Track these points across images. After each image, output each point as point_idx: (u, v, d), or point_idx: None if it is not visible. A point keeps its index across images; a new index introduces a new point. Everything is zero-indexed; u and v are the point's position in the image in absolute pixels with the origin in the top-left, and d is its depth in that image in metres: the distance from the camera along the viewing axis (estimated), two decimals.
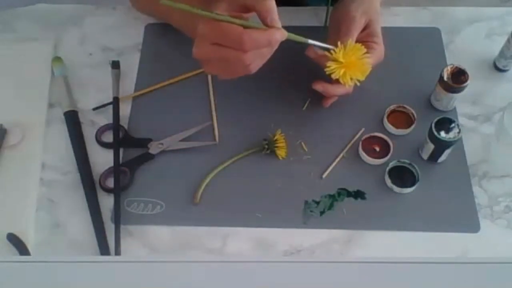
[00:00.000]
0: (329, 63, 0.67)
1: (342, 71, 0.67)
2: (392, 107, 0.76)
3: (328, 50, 0.67)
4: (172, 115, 0.78)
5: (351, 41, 0.68)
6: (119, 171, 0.72)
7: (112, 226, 0.69)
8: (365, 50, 0.68)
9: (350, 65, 0.67)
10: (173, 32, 0.78)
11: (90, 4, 0.90)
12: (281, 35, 0.59)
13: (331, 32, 0.73)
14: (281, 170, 0.73)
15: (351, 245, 0.68)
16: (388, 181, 0.71)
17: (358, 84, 0.69)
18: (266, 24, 0.59)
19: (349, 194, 0.71)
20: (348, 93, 0.73)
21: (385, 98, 0.77)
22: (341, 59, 0.67)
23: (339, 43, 0.67)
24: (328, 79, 0.70)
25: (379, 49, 0.72)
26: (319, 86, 0.72)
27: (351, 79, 0.68)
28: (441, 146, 0.69)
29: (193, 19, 0.60)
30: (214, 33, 0.58)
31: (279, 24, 0.59)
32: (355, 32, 0.70)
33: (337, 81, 0.69)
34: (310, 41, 0.65)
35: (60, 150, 0.75)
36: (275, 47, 0.60)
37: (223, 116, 0.78)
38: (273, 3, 0.59)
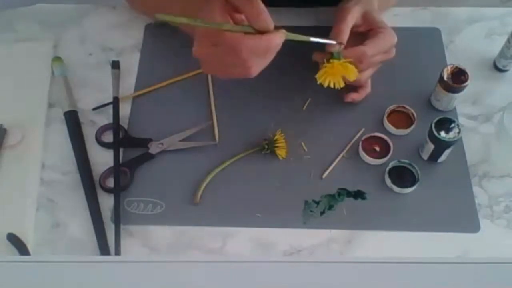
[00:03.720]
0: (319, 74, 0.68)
1: (328, 78, 0.68)
2: (392, 107, 0.76)
3: (329, 44, 0.67)
4: (172, 115, 0.78)
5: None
6: (119, 171, 0.72)
7: (112, 226, 0.69)
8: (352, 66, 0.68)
9: (335, 72, 0.68)
10: (173, 32, 0.78)
11: (90, 4, 0.90)
12: (280, 38, 0.59)
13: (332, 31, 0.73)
14: (281, 170, 0.73)
15: (351, 245, 0.68)
16: (388, 181, 0.71)
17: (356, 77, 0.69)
18: (256, 29, 0.58)
19: (349, 194, 0.71)
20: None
21: (385, 98, 0.77)
22: (328, 69, 0.67)
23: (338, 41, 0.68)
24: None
25: (387, 32, 0.71)
26: (349, 99, 0.76)
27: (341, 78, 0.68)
28: (441, 146, 0.69)
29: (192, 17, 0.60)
30: (213, 35, 0.58)
31: (271, 25, 0.58)
32: (350, 20, 0.70)
33: (359, 88, 0.75)
34: (312, 39, 0.64)
35: (60, 150, 0.75)
36: (276, 50, 0.60)
37: (223, 116, 0.78)
38: (261, 6, 0.57)
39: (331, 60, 0.67)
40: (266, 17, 0.58)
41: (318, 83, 0.69)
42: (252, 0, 0.57)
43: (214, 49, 0.59)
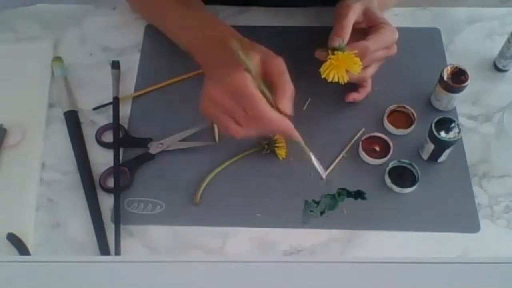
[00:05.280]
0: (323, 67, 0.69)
1: (333, 72, 0.68)
2: (392, 107, 0.76)
3: (310, 32, 0.69)
4: (172, 115, 0.78)
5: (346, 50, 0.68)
6: (119, 171, 0.72)
7: (112, 226, 0.69)
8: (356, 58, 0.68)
9: (339, 64, 0.67)
10: None
11: (90, 4, 0.90)
12: (292, 130, 0.63)
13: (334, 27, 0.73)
14: (281, 170, 0.73)
15: (351, 245, 0.68)
16: (388, 181, 0.71)
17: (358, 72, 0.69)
18: (278, 107, 0.62)
19: (349, 194, 0.71)
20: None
21: (385, 98, 0.77)
22: (333, 61, 0.67)
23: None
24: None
25: (389, 27, 0.71)
26: (350, 99, 0.76)
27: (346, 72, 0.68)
28: (441, 146, 0.69)
29: (186, 32, 0.61)
30: (229, 97, 0.60)
31: (290, 111, 0.62)
32: (352, 16, 0.70)
33: (360, 87, 0.76)
34: (313, 157, 0.68)
35: (60, 150, 0.75)
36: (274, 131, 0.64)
37: None
38: (292, 88, 0.62)
39: (335, 52, 0.67)
40: (289, 102, 0.62)
41: (322, 77, 0.68)
42: (286, 82, 0.63)
43: (228, 99, 0.60)
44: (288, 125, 0.63)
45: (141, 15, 0.87)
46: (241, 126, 0.61)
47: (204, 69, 0.71)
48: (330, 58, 0.67)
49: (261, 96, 0.60)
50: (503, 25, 0.86)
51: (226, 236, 0.68)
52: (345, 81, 0.68)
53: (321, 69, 0.68)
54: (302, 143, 0.65)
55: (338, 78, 0.68)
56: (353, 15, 0.71)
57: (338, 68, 0.67)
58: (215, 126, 0.76)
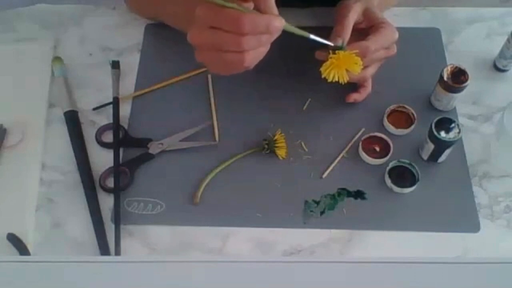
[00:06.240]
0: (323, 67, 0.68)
1: (334, 71, 0.67)
2: (392, 107, 0.76)
3: (328, 46, 0.67)
4: (172, 115, 0.78)
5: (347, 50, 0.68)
6: (119, 171, 0.72)
7: (112, 226, 0.69)
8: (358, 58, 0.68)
9: (340, 63, 0.67)
10: (173, 32, 0.78)
11: (90, 4, 0.90)
12: (279, 21, 0.57)
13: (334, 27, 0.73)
14: (281, 170, 0.73)
15: (351, 245, 0.68)
16: (388, 181, 0.71)
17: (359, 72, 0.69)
18: (262, 11, 0.57)
19: (349, 194, 0.71)
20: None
21: (385, 98, 0.77)
22: (334, 60, 0.67)
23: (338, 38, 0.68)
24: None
25: (389, 27, 0.71)
26: (351, 99, 0.76)
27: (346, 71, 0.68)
28: (441, 146, 0.69)
29: (187, 11, 0.60)
30: (212, 15, 0.56)
31: (276, 11, 0.57)
32: (352, 16, 0.70)
33: (360, 87, 0.76)
34: (312, 36, 0.63)
35: (60, 150, 0.75)
36: (274, 36, 0.58)
37: (223, 116, 0.78)
38: None
39: (336, 52, 0.67)
40: (272, 2, 0.57)
41: (322, 77, 0.68)
42: None
43: (211, 32, 0.57)
44: (271, 16, 0.57)
45: (137, 10, 0.87)
46: (240, 52, 0.58)
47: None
48: (331, 58, 0.67)
49: (229, 9, 0.56)
50: (503, 25, 0.86)
51: (226, 236, 0.68)
52: (345, 80, 0.68)
53: (322, 69, 0.68)
54: (297, 29, 0.61)
55: (338, 77, 0.68)
56: (354, 15, 0.71)
57: (338, 67, 0.67)
58: (215, 126, 0.76)
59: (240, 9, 0.56)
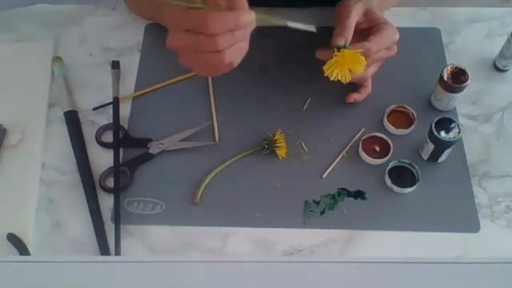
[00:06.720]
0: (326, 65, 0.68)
1: (337, 70, 0.67)
2: (392, 107, 0.76)
3: (311, 32, 0.65)
4: (172, 115, 0.78)
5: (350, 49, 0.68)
6: (119, 171, 0.72)
7: (112, 226, 0.69)
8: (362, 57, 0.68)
9: (344, 62, 0.67)
10: None
11: (90, 4, 0.90)
12: (247, 16, 0.57)
13: (335, 27, 0.73)
14: (281, 170, 0.73)
15: (351, 245, 0.68)
16: (388, 181, 0.71)
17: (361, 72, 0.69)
18: (230, 8, 0.56)
19: (349, 194, 0.71)
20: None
21: (385, 98, 0.77)
22: (339, 58, 0.67)
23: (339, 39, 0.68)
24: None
25: (390, 28, 0.71)
26: (351, 99, 0.76)
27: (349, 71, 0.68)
28: (441, 146, 0.69)
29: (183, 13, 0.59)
30: (182, 18, 0.56)
31: (244, 6, 0.57)
32: (354, 16, 0.70)
33: (360, 87, 0.76)
34: (290, 23, 0.62)
35: (60, 150, 0.75)
36: (247, 30, 0.58)
37: (223, 116, 0.78)
38: None
39: (341, 50, 0.67)
40: None
41: (325, 75, 0.68)
42: None
43: (186, 35, 0.57)
44: (238, 12, 0.57)
45: (136, 11, 0.87)
46: (217, 51, 0.57)
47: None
48: (336, 56, 0.67)
49: (195, 9, 0.56)
50: (503, 25, 0.86)
51: (226, 236, 0.68)
52: (347, 80, 0.68)
53: (325, 67, 0.68)
54: (272, 18, 0.60)
55: (341, 77, 0.67)
56: (356, 15, 0.71)
57: (342, 66, 0.67)
58: (215, 126, 0.76)
59: (207, 8, 0.55)
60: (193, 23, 0.56)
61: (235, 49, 0.58)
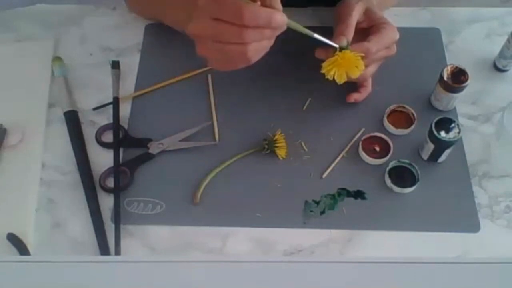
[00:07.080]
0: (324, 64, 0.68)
1: (334, 69, 0.67)
2: (392, 107, 0.76)
3: (331, 46, 0.67)
4: (172, 115, 0.78)
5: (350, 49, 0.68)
6: (119, 171, 0.72)
7: (112, 226, 0.69)
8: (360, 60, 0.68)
9: (343, 63, 0.67)
10: (173, 32, 0.78)
11: (90, 4, 0.90)
12: (282, 17, 0.57)
13: (334, 28, 0.73)
14: (281, 170, 0.73)
15: (351, 245, 0.68)
16: (388, 181, 0.71)
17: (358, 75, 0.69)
18: (266, 5, 0.57)
19: (349, 194, 0.71)
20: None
21: (385, 98, 0.77)
22: (339, 58, 0.67)
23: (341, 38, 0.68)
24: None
25: (390, 27, 0.71)
26: (352, 99, 0.76)
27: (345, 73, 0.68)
28: (441, 146, 0.69)
29: (187, 12, 0.60)
30: (214, 5, 0.56)
31: (280, 7, 0.58)
32: (355, 15, 0.71)
33: (360, 87, 0.76)
34: (316, 35, 0.64)
35: (60, 150, 0.75)
36: (276, 31, 0.59)
37: (223, 116, 0.78)
38: None
39: (343, 50, 0.67)
40: None
41: (321, 71, 0.68)
42: None
43: (213, 23, 0.57)
44: (273, 11, 0.57)
45: (137, 11, 0.87)
46: (242, 43, 0.57)
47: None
48: (337, 55, 0.67)
49: (232, 0, 0.56)
50: (503, 25, 0.86)
51: (226, 236, 0.68)
52: (342, 81, 0.68)
53: (324, 64, 0.68)
54: (301, 27, 0.61)
55: (336, 76, 0.68)
56: (356, 15, 0.71)
57: (340, 66, 0.67)
58: (215, 126, 0.76)
59: (244, 2, 0.56)
60: (227, 12, 0.56)
61: (259, 46, 0.59)
